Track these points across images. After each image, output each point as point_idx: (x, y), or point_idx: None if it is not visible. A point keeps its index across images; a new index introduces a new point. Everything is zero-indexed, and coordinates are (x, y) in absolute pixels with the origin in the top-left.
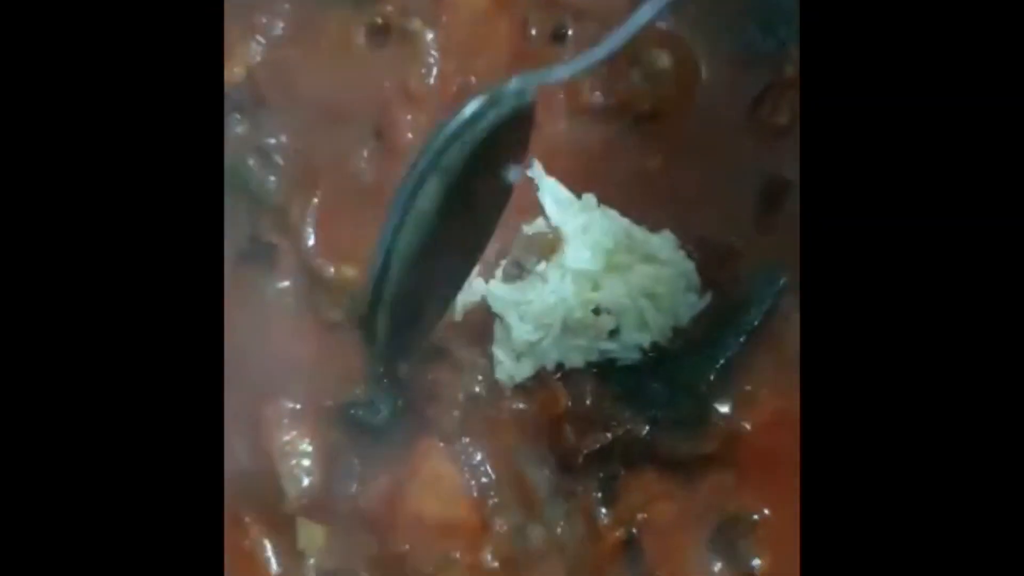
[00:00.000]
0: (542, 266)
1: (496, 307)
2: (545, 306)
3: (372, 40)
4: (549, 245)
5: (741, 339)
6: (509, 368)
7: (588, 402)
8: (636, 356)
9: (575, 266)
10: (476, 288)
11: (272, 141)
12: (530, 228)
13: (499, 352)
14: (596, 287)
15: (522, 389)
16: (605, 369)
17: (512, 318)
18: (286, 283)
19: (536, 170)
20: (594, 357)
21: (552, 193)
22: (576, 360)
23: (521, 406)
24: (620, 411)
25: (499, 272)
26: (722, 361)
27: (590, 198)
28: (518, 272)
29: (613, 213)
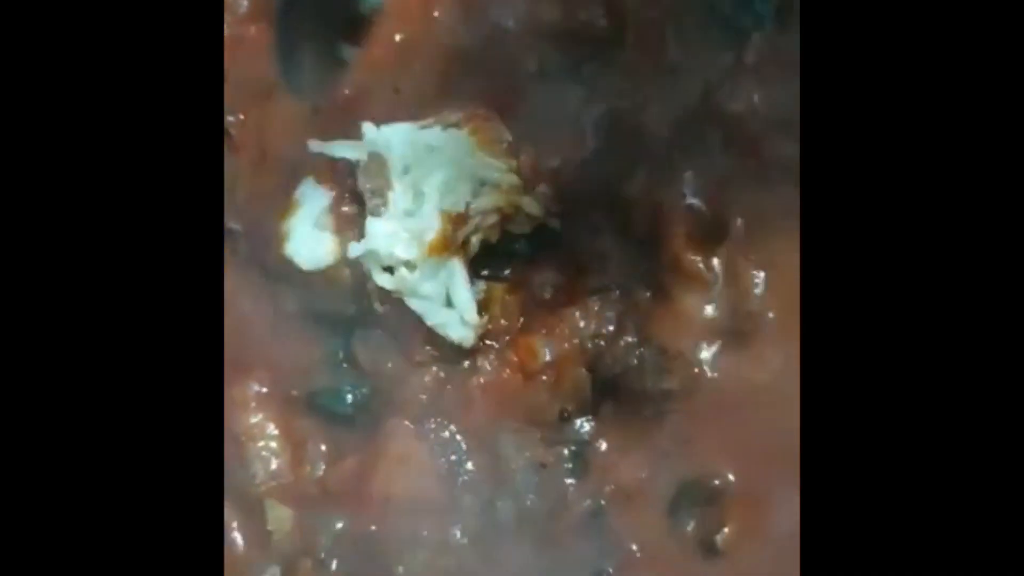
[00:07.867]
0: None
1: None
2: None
3: None
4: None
5: None
6: (456, 325)
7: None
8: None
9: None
10: None
11: (231, 119)
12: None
13: (436, 316)
14: None
15: (493, 350)
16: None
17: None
18: (246, 270)
19: None
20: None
21: None
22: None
23: (490, 369)
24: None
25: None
26: None
27: None
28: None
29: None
